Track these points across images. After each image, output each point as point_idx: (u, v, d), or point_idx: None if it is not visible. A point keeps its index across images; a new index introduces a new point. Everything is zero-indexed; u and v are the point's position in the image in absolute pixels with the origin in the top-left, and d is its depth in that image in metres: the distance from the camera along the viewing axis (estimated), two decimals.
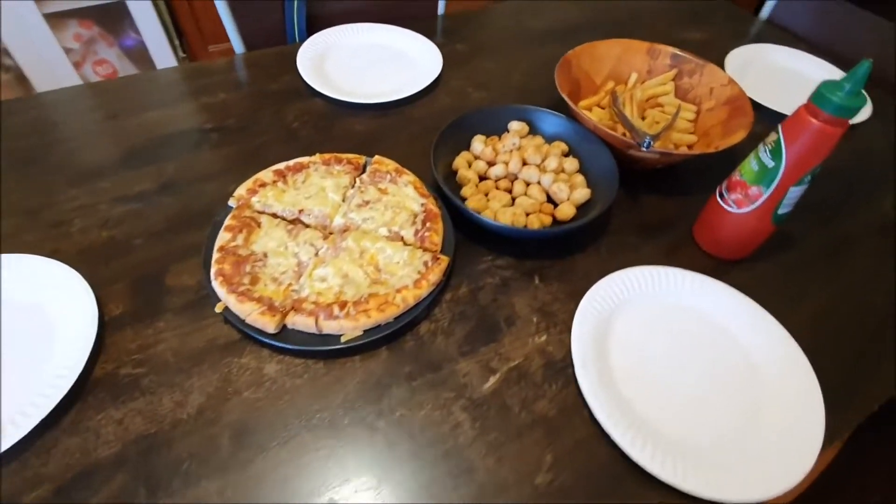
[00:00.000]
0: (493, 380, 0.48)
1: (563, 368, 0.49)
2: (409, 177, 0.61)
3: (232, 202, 0.57)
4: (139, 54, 1.77)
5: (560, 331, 0.52)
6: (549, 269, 0.58)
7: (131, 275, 0.53)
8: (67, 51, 1.60)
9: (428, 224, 0.56)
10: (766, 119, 0.74)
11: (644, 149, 0.58)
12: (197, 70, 0.81)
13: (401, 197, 0.59)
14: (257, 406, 0.45)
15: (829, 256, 0.62)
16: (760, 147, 0.52)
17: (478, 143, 0.65)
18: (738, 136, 0.62)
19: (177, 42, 1.81)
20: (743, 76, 0.86)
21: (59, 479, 0.40)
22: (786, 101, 0.80)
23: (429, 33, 0.89)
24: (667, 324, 0.53)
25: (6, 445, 0.40)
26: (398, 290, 0.50)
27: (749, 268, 0.60)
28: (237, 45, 0.89)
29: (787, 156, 0.49)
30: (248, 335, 0.48)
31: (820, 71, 0.91)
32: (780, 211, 0.53)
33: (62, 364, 0.45)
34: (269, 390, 0.46)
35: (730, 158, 0.61)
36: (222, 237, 0.53)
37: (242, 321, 0.48)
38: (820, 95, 0.45)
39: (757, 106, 0.80)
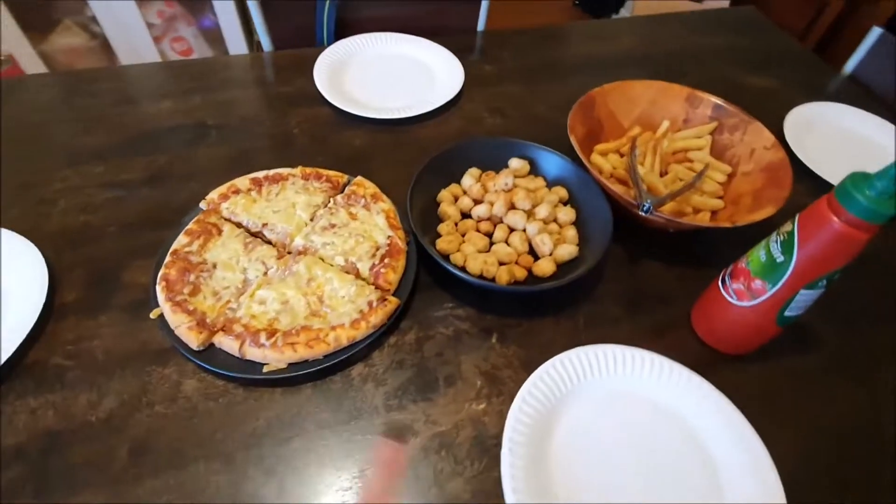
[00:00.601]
0: (411, 442, 0.44)
1: (492, 447, 0.44)
2: (384, 204, 0.58)
3: (203, 204, 0.57)
4: (214, 35, 1.87)
5: (503, 401, 0.47)
6: (512, 328, 0.52)
7: (92, 264, 0.54)
8: (150, 26, 1.71)
9: (387, 260, 0.52)
10: (818, 191, 0.63)
11: (643, 213, 0.51)
12: (217, 64, 0.82)
13: (369, 225, 0.56)
14: (164, 423, 0.44)
15: (844, 370, 0.52)
16: (773, 235, 0.44)
17: (469, 177, 0.61)
18: (764, 213, 0.53)
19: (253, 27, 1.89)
20: (802, 138, 0.75)
21: None
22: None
23: (461, 49, 0.85)
24: (629, 420, 0.46)
25: None
26: (333, 328, 0.47)
27: (745, 368, 0.51)
28: (266, 43, 0.89)
29: (798, 253, 0.41)
30: (177, 347, 0.47)
31: None
32: (788, 313, 0.44)
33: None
34: (180, 408, 0.45)
35: (762, 234, 0.52)
36: (179, 241, 0.52)
37: (172, 331, 0.47)
38: (844, 191, 0.37)
39: (812, 176, 0.70)
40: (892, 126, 0.79)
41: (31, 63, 1.67)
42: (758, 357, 0.52)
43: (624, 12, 2.27)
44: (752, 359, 0.52)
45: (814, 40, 1.74)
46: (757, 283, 0.44)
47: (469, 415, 0.46)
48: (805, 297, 0.43)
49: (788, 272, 0.42)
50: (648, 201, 0.51)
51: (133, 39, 1.71)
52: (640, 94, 0.68)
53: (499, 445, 0.44)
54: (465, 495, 0.42)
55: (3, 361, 0.45)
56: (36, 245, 0.53)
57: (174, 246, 0.52)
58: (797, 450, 0.46)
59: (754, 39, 0.99)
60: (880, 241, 0.63)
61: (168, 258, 0.51)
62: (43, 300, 0.49)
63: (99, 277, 0.53)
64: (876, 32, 0.91)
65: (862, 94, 0.88)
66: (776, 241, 0.43)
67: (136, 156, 0.66)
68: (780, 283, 0.43)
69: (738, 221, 0.53)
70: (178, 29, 1.81)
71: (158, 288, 0.49)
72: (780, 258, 0.42)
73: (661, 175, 0.63)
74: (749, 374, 0.51)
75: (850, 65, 0.94)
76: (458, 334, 0.52)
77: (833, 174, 0.69)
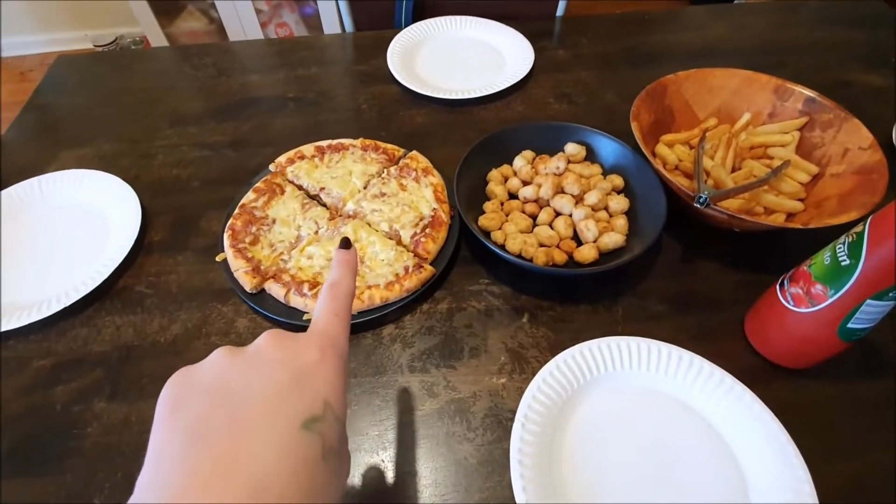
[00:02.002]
0: (428, 404, 0.46)
1: (507, 420, 0.45)
2: (434, 178, 0.59)
3: (272, 167, 0.63)
4: (314, 22, 2.00)
5: (524, 379, 0.47)
6: (545, 311, 0.52)
7: (178, 211, 0.62)
8: (258, 12, 1.88)
9: (428, 230, 0.54)
10: None
11: (698, 205, 0.48)
12: (302, 43, 0.88)
13: (417, 197, 0.58)
14: None
15: None
16: (842, 237, 0.39)
17: (521, 159, 0.61)
18: (844, 218, 0.48)
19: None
20: None
21: (60, 356, 0.50)
22: None
23: (537, 34, 0.84)
24: (656, 421, 0.44)
25: (42, 316, 0.50)
26: (369, 287, 0.50)
27: (802, 385, 0.46)
28: (348, 25, 0.95)
29: (867, 257, 0.36)
30: (235, 289, 0.53)
31: None
32: (851, 325, 0.40)
33: (100, 266, 0.55)
34: (231, 341, 0.50)
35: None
36: (248, 196, 0.58)
37: (232, 274, 0.52)
38: None
39: None
40: None
41: (159, 43, 1.90)
42: (820, 375, 0.46)
43: None
44: (812, 376, 0.47)
45: None
46: (817, 288, 0.40)
47: (488, 387, 0.47)
48: (873, 309, 0.38)
49: (854, 278, 0.37)
50: (705, 193, 0.48)
51: (244, 23, 1.88)
52: (720, 84, 0.63)
53: (513, 420, 0.44)
54: (472, 460, 0.43)
55: (99, 284, 0.53)
56: (136, 191, 0.61)
57: (243, 200, 0.58)
58: (845, 486, 0.41)
59: (875, 34, 0.86)
60: None
61: (237, 210, 0.57)
62: (135, 237, 0.57)
63: (182, 222, 0.61)
64: None
65: None
66: (844, 243, 0.38)
67: (224, 121, 0.73)
68: (843, 290, 0.38)
69: (808, 224, 0.48)
70: (283, 15, 1.96)
71: (225, 236, 0.55)
72: (845, 261, 0.38)
73: (734, 171, 0.59)
74: (805, 392, 0.46)
75: None
76: (490, 310, 0.52)
77: None
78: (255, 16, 1.86)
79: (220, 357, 0.25)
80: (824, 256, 0.40)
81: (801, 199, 0.57)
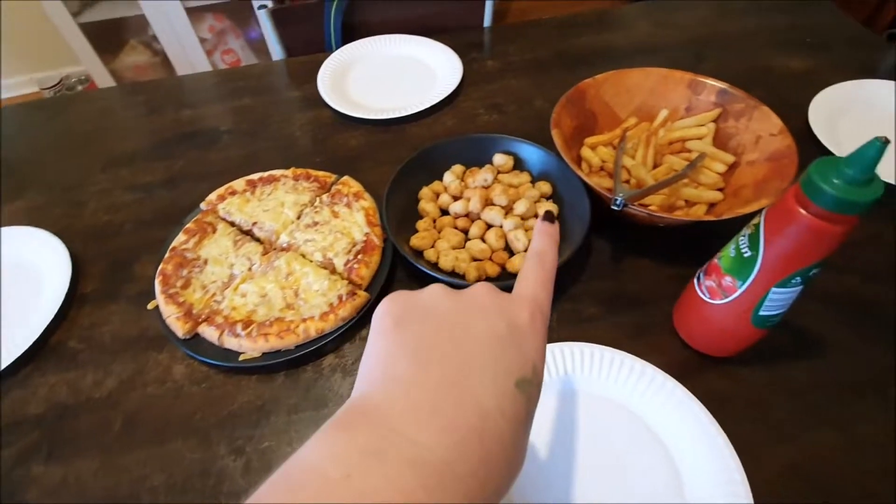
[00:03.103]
0: None
1: None
2: (365, 202, 0.60)
3: (203, 205, 0.62)
4: (260, 45, 1.99)
5: None
6: None
7: (111, 258, 0.61)
8: (202, 40, 1.86)
9: (360, 256, 0.54)
10: None
11: (615, 207, 0.49)
12: (235, 74, 0.88)
13: (349, 223, 0.58)
14: (153, 402, 0.49)
15: (856, 390, 0.46)
16: (744, 230, 0.41)
17: (450, 174, 0.61)
18: (755, 206, 0.49)
19: None
20: (835, 123, 0.68)
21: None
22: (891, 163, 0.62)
23: (466, 46, 0.86)
24: (594, 423, 0.45)
25: None
26: (304, 320, 0.50)
27: (735, 373, 0.48)
28: (278, 52, 0.94)
29: (765, 249, 0.38)
30: (168, 335, 0.52)
31: None
32: (763, 313, 0.41)
33: (32, 325, 0.53)
34: (168, 389, 0.50)
35: None
36: (178, 238, 0.58)
37: (164, 321, 0.52)
38: (810, 181, 0.34)
39: None
40: None
41: (104, 80, 1.86)
42: (750, 361, 0.48)
43: None
44: (742, 362, 0.48)
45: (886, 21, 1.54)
46: (727, 280, 0.41)
47: None
48: (780, 297, 0.39)
49: (757, 269, 0.39)
50: (621, 196, 0.49)
51: (188, 53, 1.86)
52: (637, 84, 0.65)
53: None
54: None
55: (31, 344, 0.52)
56: (67, 241, 0.60)
57: (173, 243, 0.57)
58: (779, 473, 0.42)
59: (795, 17, 0.90)
60: None
61: (167, 254, 0.56)
62: (65, 291, 0.55)
63: (115, 270, 0.60)
64: None
65: None
66: (745, 235, 0.40)
67: (157, 160, 0.72)
68: (749, 281, 0.40)
69: (722, 215, 0.50)
70: (228, 41, 1.94)
71: (156, 281, 0.54)
72: (748, 253, 0.39)
73: (656, 167, 0.60)
74: (736, 380, 0.47)
75: None
76: None
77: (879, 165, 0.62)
78: (199, 45, 1.84)
79: (439, 291, 0.26)
80: (730, 249, 0.42)
81: (721, 189, 0.59)
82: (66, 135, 0.78)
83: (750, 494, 0.39)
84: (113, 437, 0.47)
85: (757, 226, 0.38)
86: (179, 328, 0.50)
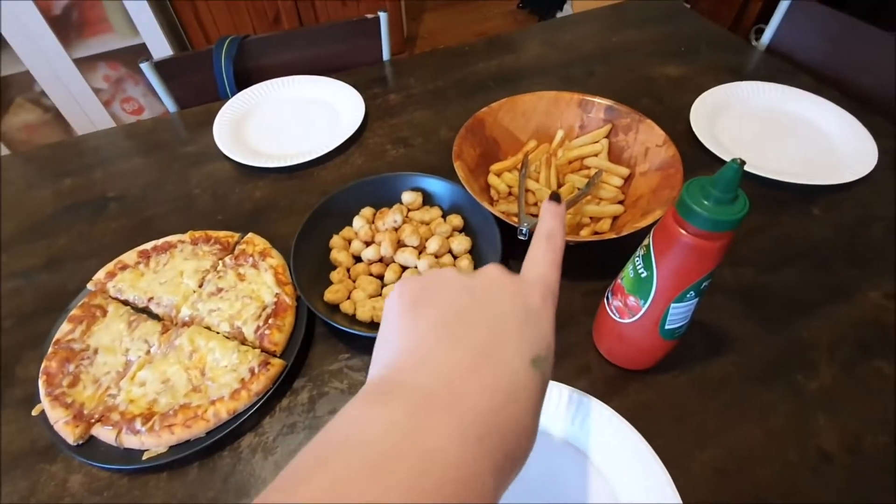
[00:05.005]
0: None
1: None
2: (273, 260, 0.57)
3: (90, 285, 0.56)
4: None
5: None
6: None
7: None
8: (97, 91, 1.74)
9: (272, 320, 0.51)
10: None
11: (521, 237, 0.50)
12: (124, 131, 0.82)
13: (257, 285, 0.55)
14: None
15: (764, 375, 0.49)
16: (638, 250, 0.42)
17: (360, 219, 0.60)
18: (650, 219, 0.51)
19: None
20: (713, 126, 0.73)
21: None
22: (766, 159, 0.67)
23: (366, 82, 0.85)
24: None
25: None
26: (213, 402, 0.46)
27: (655, 383, 0.49)
28: (169, 104, 0.89)
29: (657, 268, 0.39)
30: (59, 443, 0.46)
31: (822, 115, 0.75)
32: (669, 327, 0.42)
33: None
34: None
35: None
36: (62, 329, 0.52)
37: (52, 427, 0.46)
38: (683, 204, 0.35)
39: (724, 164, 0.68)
40: (813, 96, 0.77)
41: None
42: (671, 368, 0.49)
43: (567, 8, 2.27)
44: (664, 370, 0.49)
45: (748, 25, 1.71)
46: (631, 300, 0.42)
47: None
48: (680, 310, 0.41)
49: (654, 288, 0.40)
50: (525, 224, 0.49)
51: (83, 107, 1.73)
52: (531, 107, 0.67)
53: None
54: None
55: None
56: None
57: (57, 335, 0.51)
58: (708, 477, 0.43)
59: (671, 28, 0.97)
60: (802, 231, 0.61)
61: (50, 349, 0.50)
62: None
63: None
64: None
65: (783, 67, 0.86)
66: (640, 256, 0.41)
67: (36, 241, 0.65)
68: (650, 299, 0.41)
69: (621, 232, 0.52)
70: (127, 90, 1.83)
71: (40, 382, 0.48)
72: (644, 273, 0.40)
73: (559, 187, 0.62)
74: (660, 389, 0.49)
75: (767, 37, 0.92)
76: (354, 387, 0.50)
77: (751, 160, 0.66)
78: (94, 96, 1.72)
79: (453, 271, 0.26)
80: (629, 270, 0.43)
81: (621, 202, 0.61)
82: None
83: (675, 493, 0.40)
84: None
85: (648, 247, 0.40)
86: (70, 434, 0.44)
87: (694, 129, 0.71)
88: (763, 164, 0.66)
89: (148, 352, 0.50)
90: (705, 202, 0.34)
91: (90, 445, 0.45)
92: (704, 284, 0.39)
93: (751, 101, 0.78)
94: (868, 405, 0.47)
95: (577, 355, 0.52)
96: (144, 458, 0.44)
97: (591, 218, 0.59)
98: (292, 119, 0.80)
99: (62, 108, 1.72)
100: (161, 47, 1.71)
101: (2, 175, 0.75)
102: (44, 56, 1.57)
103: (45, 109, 1.80)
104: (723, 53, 0.89)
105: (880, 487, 0.42)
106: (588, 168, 0.63)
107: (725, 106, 0.76)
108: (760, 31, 0.96)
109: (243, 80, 0.88)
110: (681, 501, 0.39)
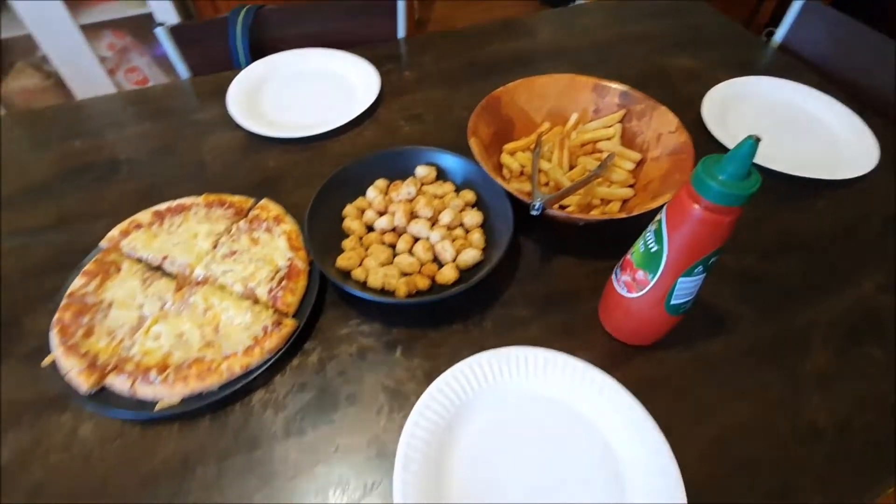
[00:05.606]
0: (309, 468, 0.44)
1: (388, 464, 0.44)
2: (286, 226, 0.57)
3: (104, 243, 0.57)
4: (168, 62, 1.87)
5: (404, 416, 0.46)
6: (417, 340, 0.52)
7: None
8: (102, 59, 1.72)
9: (284, 283, 0.52)
10: None
11: (534, 212, 0.51)
12: (135, 96, 0.82)
13: (270, 249, 0.55)
14: (59, 471, 0.44)
15: (762, 357, 0.51)
16: (650, 226, 0.43)
17: (373, 189, 0.60)
18: (661, 201, 0.53)
19: None
20: (724, 117, 0.74)
21: None
22: (773, 151, 0.68)
23: (381, 58, 0.85)
24: (532, 422, 0.46)
25: None
26: (226, 357, 0.47)
27: (656, 359, 0.51)
28: (183, 72, 0.89)
29: (668, 242, 0.40)
30: (71, 392, 0.47)
31: (828, 113, 0.76)
32: (674, 302, 0.44)
33: None
34: (76, 454, 0.45)
35: None
36: (76, 283, 0.52)
37: (63, 378, 0.47)
38: (698, 178, 0.36)
39: None
40: (820, 93, 0.78)
41: None
42: (673, 345, 0.51)
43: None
44: (666, 347, 0.51)
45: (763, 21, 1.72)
46: (640, 275, 0.44)
47: (369, 433, 0.46)
48: (687, 285, 0.42)
49: (663, 262, 0.41)
50: (539, 200, 0.50)
51: (87, 75, 1.71)
52: (547, 89, 0.68)
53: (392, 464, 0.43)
54: None
55: None
56: None
57: (70, 288, 0.52)
58: (705, 448, 0.45)
59: (686, 20, 0.98)
60: (803, 223, 0.63)
61: (64, 301, 0.51)
62: None
63: (2, 327, 0.53)
64: None
65: (793, 64, 0.87)
66: (651, 231, 0.42)
67: (45, 199, 0.65)
68: (658, 273, 0.42)
69: (632, 212, 0.53)
70: (132, 59, 1.81)
71: (52, 333, 0.49)
72: (654, 248, 0.41)
73: (571, 168, 0.63)
74: (662, 365, 0.50)
75: (779, 35, 0.93)
76: (363, 351, 0.51)
77: (758, 152, 0.67)
78: (98, 64, 1.70)
79: None
80: (639, 245, 0.44)
81: (632, 185, 0.62)
82: None
83: (678, 471, 0.41)
84: None
85: (660, 222, 0.41)
86: (83, 382, 0.45)
87: (704, 119, 0.72)
88: (770, 157, 0.67)
89: (162, 308, 0.51)
90: (720, 177, 0.35)
91: (102, 396, 0.46)
92: (713, 260, 0.40)
93: (761, 95, 0.79)
94: (858, 387, 0.49)
95: (581, 331, 0.53)
96: (157, 408, 0.45)
97: (601, 200, 0.60)
98: (307, 91, 0.80)
99: (65, 74, 1.70)
100: (168, 17, 1.68)
101: (3, 134, 0.75)
102: (48, 20, 1.55)
103: (46, 75, 1.77)
104: (735, 48, 0.90)
105: (865, 462, 0.44)
106: (601, 151, 0.64)
107: (736, 98, 0.78)
108: (770, 34, 0.97)
109: (257, 50, 0.88)
110: (675, 464, 0.41)
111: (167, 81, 1.84)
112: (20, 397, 0.48)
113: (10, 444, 0.45)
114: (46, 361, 0.48)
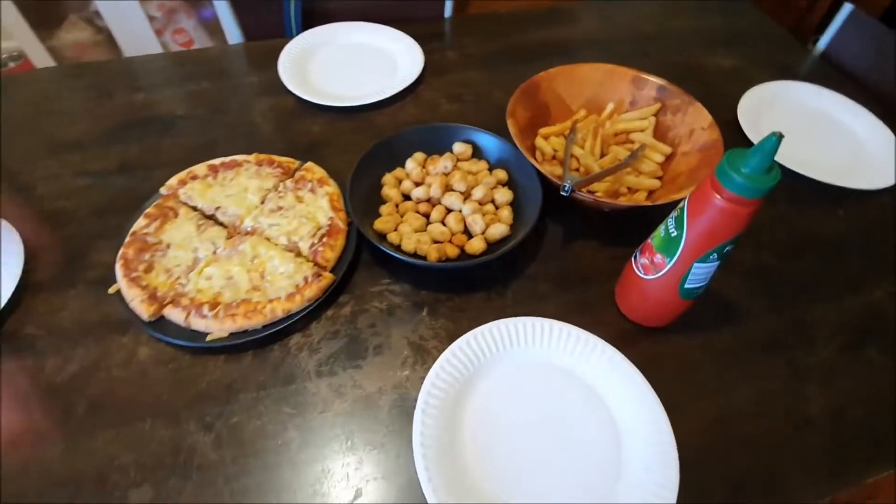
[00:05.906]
0: (336, 404, 0.49)
1: (412, 409, 0.48)
2: (329, 188, 0.61)
3: (163, 190, 0.62)
4: (214, 26, 1.92)
5: (426, 369, 0.51)
6: (443, 303, 0.56)
7: (64, 245, 0.60)
8: (151, 19, 1.77)
9: (325, 239, 0.56)
10: None
11: (563, 193, 0.54)
12: (189, 57, 0.87)
13: (314, 207, 0.60)
14: (118, 384, 0.49)
15: (768, 349, 0.54)
16: (672, 212, 0.46)
17: (412, 161, 0.64)
18: (685, 192, 0.55)
19: None
20: (760, 119, 0.76)
21: None
22: (802, 156, 0.69)
23: (426, 36, 0.88)
24: (542, 388, 0.50)
25: None
26: (270, 301, 0.52)
27: (665, 341, 0.54)
28: (235, 35, 0.93)
29: (688, 229, 0.43)
30: (132, 318, 0.52)
31: (861, 124, 0.77)
32: (688, 286, 0.47)
33: None
34: (133, 371, 0.50)
35: None
36: (139, 223, 0.57)
37: (127, 305, 0.52)
38: (722, 170, 0.39)
39: None
40: (856, 104, 0.79)
41: (41, 58, 1.75)
42: (681, 330, 0.54)
43: None
44: (674, 331, 0.54)
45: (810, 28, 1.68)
46: (658, 258, 0.47)
47: (393, 381, 0.50)
48: (701, 270, 0.45)
49: (681, 246, 0.44)
50: (569, 182, 0.53)
51: (135, 33, 1.77)
52: (587, 77, 0.70)
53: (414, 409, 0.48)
54: (381, 448, 0.46)
55: None
56: (16, 228, 0.59)
57: (134, 228, 0.57)
58: (704, 425, 0.48)
59: (729, 20, 0.98)
60: (822, 227, 0.65)
61: (128, 239, 0.56)
62: (18, 277, 0.54)
63: (70, 257, 0.59)
64: (847, 9, 0.89)
65: (833, 73, 0.87)
66: (673, 217, 0.45)
67: (109, 146, 0.71)
68: (676, 257, 0.45)
69: (657, 200, 0.55)
70: (179, 21, 1.86)
71: (117, 266, 0.54)
72: (674, 233, 0.44)
73: (602, 156, 0.65)
74: (669, 347, 0.53)
75: (822, 43, 0.93)
76: (392, 308, 0.56)
77: (788, 156, 0.68)
78: (147, 23, 1.76)
79: None
80: (661, 230, 0.47)
81: (659, 178, 0.64)
82: (6, 118, 0.75)
83: (673, 442, 0.45)
84: (77, 420, 0.47)
85: (682, 209, 0.44)
86: (144, 311, 0.50)
87: (739, 119, 0.74)
88: (798, 161, 0.69)
89: (214, 252, 0.56)
90: (743, 170, 0.38)
91: (160, 324, 0.52)
92: (728, 248, 0.43)
93: (797, 100, 0.80)
94: (856, 384, 0.51)
95: (596, 311, 0.56)
96: (208, 339, 0.50)
97: (628, 189, 0.63)
98: (354, 63, 0.84)
99: (115, 31, 1.76)
100: None
101: (65, 84, 0.80)
102: None
103: (97, 30, 1.84)
104: (777, 52, 0.90)
105: (852, 452, 0.47)
106: (633, 142, 0.67)
107: (772, 101, 0.79)
108: (816, 42, 0.96)
109: (307, 21, 0.91)
110: (672, 435, 0.45)
111: (211, 45, 1.89)
112: (87, 319, 0.54)
113: (77, 358, 0.51)
114: (113, 289, 0.53)
